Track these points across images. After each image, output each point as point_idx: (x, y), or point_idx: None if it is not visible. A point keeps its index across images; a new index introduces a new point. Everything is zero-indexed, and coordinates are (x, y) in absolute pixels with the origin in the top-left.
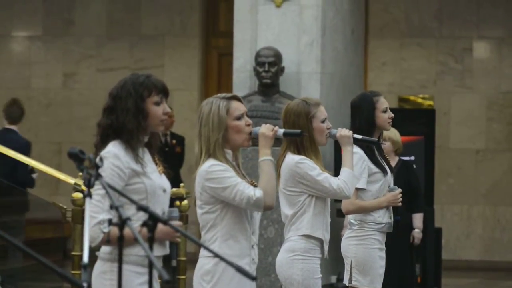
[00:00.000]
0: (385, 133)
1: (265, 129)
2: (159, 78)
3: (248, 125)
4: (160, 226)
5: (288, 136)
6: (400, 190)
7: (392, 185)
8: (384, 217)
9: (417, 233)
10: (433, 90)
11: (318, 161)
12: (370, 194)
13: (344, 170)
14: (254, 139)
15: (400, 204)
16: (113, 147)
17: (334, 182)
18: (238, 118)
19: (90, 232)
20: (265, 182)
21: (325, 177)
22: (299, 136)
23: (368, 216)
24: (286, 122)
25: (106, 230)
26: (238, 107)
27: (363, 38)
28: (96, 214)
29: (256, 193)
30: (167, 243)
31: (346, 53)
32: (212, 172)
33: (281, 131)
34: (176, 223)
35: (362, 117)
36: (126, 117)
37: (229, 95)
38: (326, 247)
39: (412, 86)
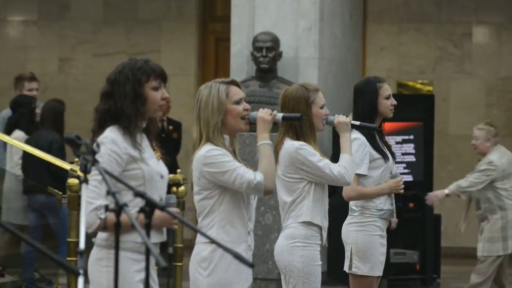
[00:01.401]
0: None
1: (263, 113)
2: (157, 63)
3: (246, 110)
4: (157, 213)
5: (287, 120)
6: (402, 176)
7: (394, 171)
8: (385, 204)
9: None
10: (432, 76)
11: (316, 147)
12: (372, 180)
13: (343, 157)
14: (251, 124)
15: (402, 191)
16: (110, 132)
17: (334, 169)
18: (237, 102)
19: (86, 218)
20: (265, 166)
21: (325, 163)
22: (299, 120)
23: (369, 202)
24: (284, 107)
25: (102, 216)
26: (238, 92)
27: (362, 23)
28: (93, 200)
29: (256, 176)
30: (165, 229)
31: (344, 38)
32: (211, 157)
33: (279, 115)
34: (174, 209)
35: (364, 102)
36: (124, 102)
37: (228, 79)
38: (324, 234)
39: (411, 71)
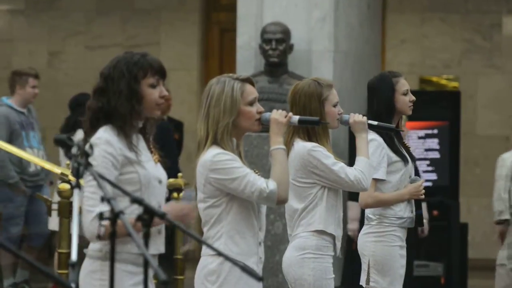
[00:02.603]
0: None
1: (277, 115)
2: (155, 57)
3: (259, 113)
4: (172, 204)
5: (303, 124)
6: (423, 180)
7: (413, 175)
8: (405, 211)
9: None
10: (458, 71)
11: (330, 148)
12: (390, 186)
13: (360, 159)
14: (262, 126)
15: (423, 196)
16: (104, 132)
17: (350, 173)
18: (251, 103)
19: (89, 228)
20: (279, 173)
21: (340, 167)
22: (317, 124)
23: (388, 210)
24: (294, 104)
25: (105, 223)
26: (252, 92)
27: (381, 12)
28: (92, 207)
29: (269, 185)
30: (163, 241)
31: (362, 29)
32: (218, 162)
33: (295, 118)
34: (189, 204)
35: (380, 100)
36: (118, 100)
37: (242, 76)
38: (338, 244)
39: (435, 66)
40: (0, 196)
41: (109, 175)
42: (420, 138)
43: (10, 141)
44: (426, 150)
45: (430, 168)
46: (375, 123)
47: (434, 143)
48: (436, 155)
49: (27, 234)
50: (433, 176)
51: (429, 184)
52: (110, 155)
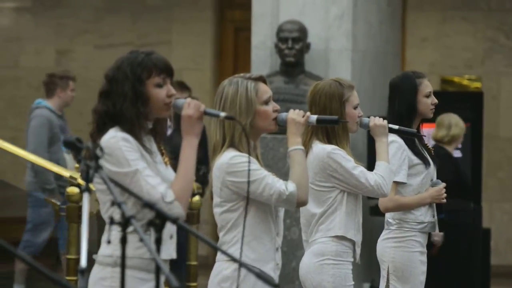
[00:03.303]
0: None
1: (295, 115)
2: (161, 56)
3: (275, 111)
4: (189, 100)
5: (322, 124)
6: (444, 184)
7: (435, 178)
8: (426, 216)
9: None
10: (480, 71)
11: (350, 151)
12: (411, 189)
13: (380, 164)
14: (279, 127)
15: (444, 200)
16: (116, 131)
17: (371, 178)
18: (266, 102)
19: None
20: (298, 175)
21: (361, 171)
22: (336, 123)
23: (408, 214)
24: (314, 104)
25: (170, 199)
26: (267, 90)
27: (401, 10)
28: (156, 187)
29: (288, 187)
30: (174, 246)
31: (381, 27)
32: (235, 165)
33: (313, 117)
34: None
35: (402, 101)
36: (123, 104)
37: (255, 75)
38: (358, 250)
39: (457, 65)
40: (34, 201)
41: (144, 167)
42: None
43: (49, 144)
44: None
45: None
46: (396, 127)
47: None
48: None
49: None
50: None
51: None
52: (132, 149)
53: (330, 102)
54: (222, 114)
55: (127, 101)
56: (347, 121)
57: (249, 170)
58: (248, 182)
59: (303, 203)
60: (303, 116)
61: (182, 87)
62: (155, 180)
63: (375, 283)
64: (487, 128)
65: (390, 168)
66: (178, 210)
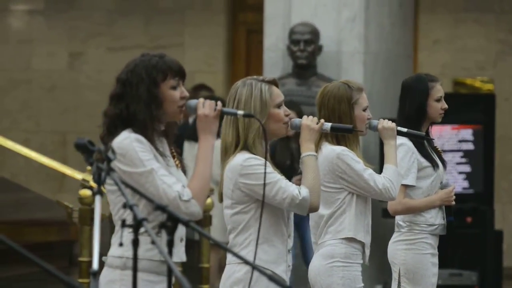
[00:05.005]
0: None
1: (309, 121)
2: (173, 58)
3: (287, 115)
4: (202, 100)
5: (336, 132)
6: (454, 186)
7: (444, 180)
8: (436, 218)
9: None
10: (493, 73)
11: (359, 153)
12: (420, 192)
13: (388, 167)
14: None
15: (454, 202)
16: (129, 133)
17: (379, 181)
18: (279, 106)
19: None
20: (311, 180)
21: (370, 174)
22: (350, 132)
23: (418, 217)
24: (323, 106)
25: (187, 197)
26: (279, 94)
27: (413, 12)
28: (172, 186)
29: (301, 192)
30: (184, 249)
31: (393, 29)
32: (248, 167)
33: (328, 124)
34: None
35: (412, 102)
36: (137, 106)
37: (268, 78)
38: (367, 252)
39: (469, 67)
40: None
41: (158, 167)
42: (454, 128)
43: None
44: (460, 141)
45: (464, 160)
46: (405, 130)
47: (468, 133)
48: (470, 146)
49: None
50: (468, 169)
51: (465, 171)
52: (145, 150)
53: (339, 104)
54: (240, 112)
55: (141, 103)
56: (362, 130)
57: (265, 173)
58: (264, 185)
59: (315, 208)
60: (318, 123)
61: (204, 89)
62: (171, 179)
63: (388, 286)
64: (499, 130)
65: (398, 171)
66: (195, 208)
